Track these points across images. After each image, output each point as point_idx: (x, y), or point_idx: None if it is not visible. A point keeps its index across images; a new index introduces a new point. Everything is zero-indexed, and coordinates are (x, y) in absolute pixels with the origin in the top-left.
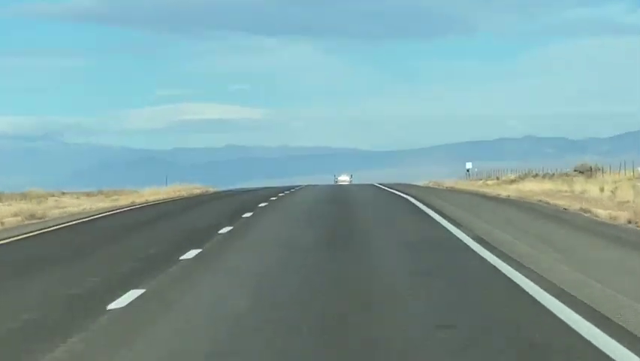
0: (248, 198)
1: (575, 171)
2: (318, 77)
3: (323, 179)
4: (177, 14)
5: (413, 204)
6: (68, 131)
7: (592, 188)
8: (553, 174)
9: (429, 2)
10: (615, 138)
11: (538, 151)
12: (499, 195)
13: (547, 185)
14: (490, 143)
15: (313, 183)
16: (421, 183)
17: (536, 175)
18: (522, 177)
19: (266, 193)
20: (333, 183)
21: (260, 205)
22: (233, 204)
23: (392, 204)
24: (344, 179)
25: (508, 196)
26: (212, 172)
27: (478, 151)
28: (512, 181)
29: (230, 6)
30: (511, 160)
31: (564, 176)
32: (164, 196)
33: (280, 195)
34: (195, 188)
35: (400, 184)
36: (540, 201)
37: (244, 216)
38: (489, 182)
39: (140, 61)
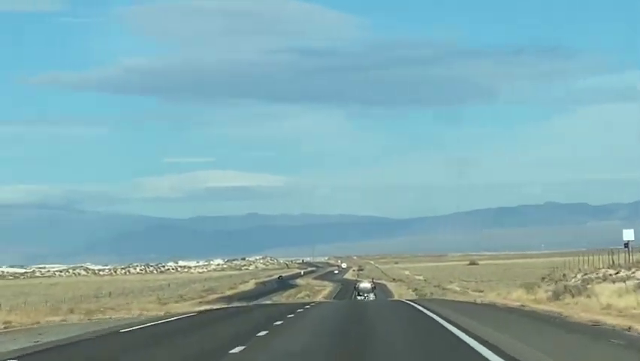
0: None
1: None
2: (340, 144)
3: (345, 248)
4: (201, 84)
5: None
6: (89, 200)
7: None
8: None
9: (450, 70)
10: (636, 203)
11: (560, 217)
12: None
13: None
14: (511, 209)
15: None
16: (499, 299)
17: None
18: None
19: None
20: (353, 288)
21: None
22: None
23: None
24: (365, 286)
25: None
26: (232, 241)
27: (498, 218)
28: None
29: (252, 76)
30: (534, 226)
31: None
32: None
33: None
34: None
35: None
36: None
37: None
38: None
39: (162, 129)
